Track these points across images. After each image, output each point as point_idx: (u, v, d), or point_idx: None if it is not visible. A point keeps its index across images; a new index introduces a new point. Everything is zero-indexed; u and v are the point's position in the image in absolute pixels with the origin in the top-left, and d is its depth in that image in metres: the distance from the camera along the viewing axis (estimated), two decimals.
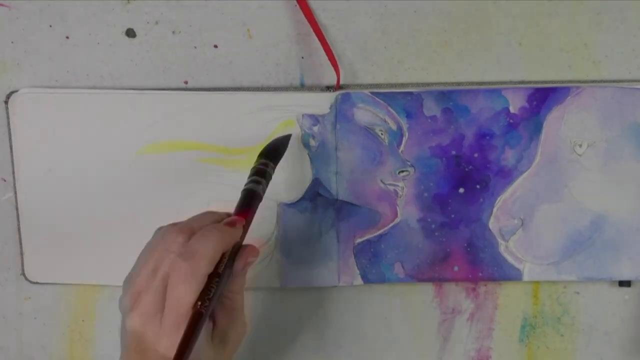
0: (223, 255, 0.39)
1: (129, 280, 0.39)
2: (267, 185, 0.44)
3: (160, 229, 0.41)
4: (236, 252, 0.40)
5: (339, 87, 0.50)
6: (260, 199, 0.43)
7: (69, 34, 0.50)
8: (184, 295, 0.37)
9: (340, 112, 0.50)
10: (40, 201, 0.50)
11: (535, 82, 0.50)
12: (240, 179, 0.50)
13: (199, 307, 0.36)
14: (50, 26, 0.50)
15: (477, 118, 0.50)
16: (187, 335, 0.35)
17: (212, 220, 0.41)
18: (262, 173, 0.44)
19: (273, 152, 0.46)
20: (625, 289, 0.52)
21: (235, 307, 0.41)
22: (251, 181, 0.43)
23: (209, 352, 0.39)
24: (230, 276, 0.40)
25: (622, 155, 0.50)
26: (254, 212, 0.42)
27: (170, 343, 0.36)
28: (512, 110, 0.50)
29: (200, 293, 0.37)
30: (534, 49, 0.50)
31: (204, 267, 0.37)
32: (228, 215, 0.42)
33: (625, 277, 0.51)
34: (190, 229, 0.39)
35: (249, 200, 0.42)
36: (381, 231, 0.51)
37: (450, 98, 0.50)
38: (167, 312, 0.37)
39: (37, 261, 0.51)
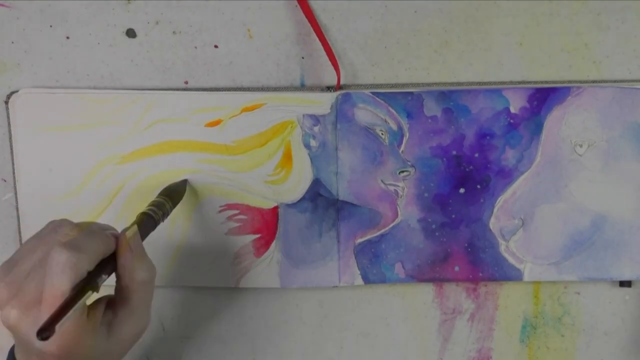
0: (103, 261, 0.38)
1: (8, 269, 0.37)
2: (163, 218, 0.45)
3: (52, 222, 0.40)
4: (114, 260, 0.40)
5: (339, 87, 0.50)
6: (153, 225, 0.44)
7: (69, 34, 0.50)
8: (59, 285, 0.35)
9: (341, 112, 0.49)
10: (41, 201, 0.50)
11: (536, 82, 0.50)
12: (240, 180, 0.50)
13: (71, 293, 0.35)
14: (51, 26, 0.50)
15: (477, 118, 0.50)
16: (54, 318, 0.34)
17: (101, 228, 0.40)
18: (160, 205, 0.46)
19: (171, 193, 0.48)
20: (625, 289, 0.52)
21: (132, 300, 0.39)
22: (149, 209, 0.45)
23: (100, 342, 0.38)
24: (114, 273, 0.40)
25: (623, 155, 0.50)
26: (145, 234, 0.43)
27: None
28: (512, 110, 0.50)
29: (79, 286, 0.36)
30: (534, 49, 0.50)
31: (85, 261, 0.36)
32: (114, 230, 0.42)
33: (625, 277, 0.51)
34: (84, 227, 0.39)
35: (141, 222, 0.43)
36: (382, 231, 0.51)
37: (451, 98, 0.49)
38: (42, 304, 0.35)
39: None
